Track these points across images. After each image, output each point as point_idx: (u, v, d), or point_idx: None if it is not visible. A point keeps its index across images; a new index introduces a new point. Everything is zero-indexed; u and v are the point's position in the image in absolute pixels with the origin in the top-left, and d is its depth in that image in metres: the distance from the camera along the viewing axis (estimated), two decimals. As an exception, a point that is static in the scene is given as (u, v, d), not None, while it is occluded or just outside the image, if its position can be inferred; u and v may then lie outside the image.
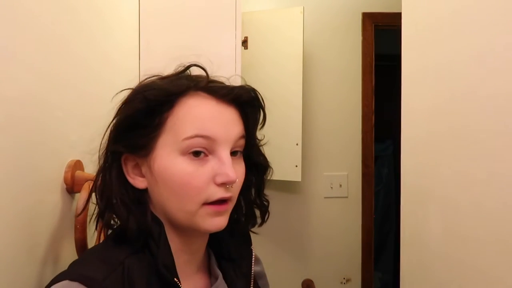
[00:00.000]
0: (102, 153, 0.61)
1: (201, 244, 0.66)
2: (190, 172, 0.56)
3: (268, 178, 0.70)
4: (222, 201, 0.58)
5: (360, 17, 2.19)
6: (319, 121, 2.19)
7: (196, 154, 0.57)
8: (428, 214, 1.01)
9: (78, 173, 0.80)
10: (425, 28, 1.04)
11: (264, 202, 0.70)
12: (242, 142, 0.61)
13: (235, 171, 0.57)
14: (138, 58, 1.36)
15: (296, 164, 1.99)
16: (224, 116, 0.59)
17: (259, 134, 0.67)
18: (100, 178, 0.61)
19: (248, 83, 0.67)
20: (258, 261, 0.76)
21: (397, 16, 1.17)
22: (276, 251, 2.19)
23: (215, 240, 0.68)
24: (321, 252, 2.19)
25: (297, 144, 1.98)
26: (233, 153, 0.60)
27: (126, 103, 0.60)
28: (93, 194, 0.63)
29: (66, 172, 0.79)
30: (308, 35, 2.05)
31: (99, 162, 0.62)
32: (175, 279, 0.57)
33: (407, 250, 1.12)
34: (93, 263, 0.57)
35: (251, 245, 0.71)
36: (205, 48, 1.38)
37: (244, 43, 1.92)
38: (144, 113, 0.57)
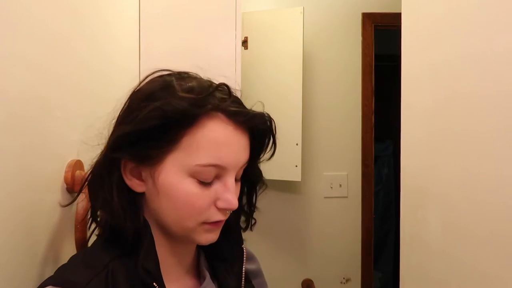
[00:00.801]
0: (102, 153, 0.60)
1: (191, 248, 0.66)
2: (195, 193, 0.56)
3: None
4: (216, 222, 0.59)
5: (360, 17, 2.19)
6: (319, 121, 2.19)
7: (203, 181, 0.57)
8: (428, 214, 1.01)
9: (78, 173, 0.80)
10: (425, 28, 1.04)
11: (253, 210, 0.70)
12: (244, 167, 0.61)
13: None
14: (138, 57, 1.36)
15: (296, 164, 1.99)
16: (238, 143, 0.57)
17: None
18: (95, 177, 0.60)
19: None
20: (253, 259, 0.76)
21: (397, 16, 1.17)
22: (276, 251, 2.19)
23: None
24: (321, 252, 2.20)
25: (297, 144, 1.98)
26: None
27: (139, 112, 0.55)
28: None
29: (66, 172, 0.79)
30: (308, 35, 2.05)
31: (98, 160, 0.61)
32: (154, 283, 0.56)
33: (407, 250, 1.12)
34: (78, 267, 0.57)
35: (242, 243, 0.71)
36: (205, 48, 1.39)
37: (244, 43, 1.92)
38: (160, 128, 0.54)
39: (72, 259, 0.61)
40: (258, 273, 0.76)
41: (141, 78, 0.62)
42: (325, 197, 2.21)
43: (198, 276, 0.68)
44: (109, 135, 0.60)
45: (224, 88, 0.58)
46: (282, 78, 1.99)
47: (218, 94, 0.57)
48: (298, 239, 2.20)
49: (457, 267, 0.89)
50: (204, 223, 0.58)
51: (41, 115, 0.70)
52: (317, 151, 2.19)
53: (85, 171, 0.83)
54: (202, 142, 0.54)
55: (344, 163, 2.22)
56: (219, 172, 0.57)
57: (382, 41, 2.34)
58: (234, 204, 0.57)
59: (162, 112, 0.53)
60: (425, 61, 1.03)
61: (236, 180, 0.60)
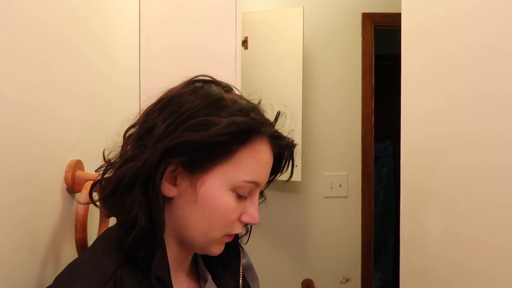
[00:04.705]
0: (135, 143, 0.58)
1: (192, 251, 0.67)
2: (232, 207, 0.59)
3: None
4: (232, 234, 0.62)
5: (360, 17, 2.19)
6: (319, 121, 2.19)
7: (240, 195, 0.60)
8: (428, 214, 1.01)
9: (78, 173, 0.80)
10: (425, 28, 1.04)
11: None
12: None
13: None
14: (138, 57, 1.36)
15: (296, 164, 1.98)
16: (270, 164, 0.63)
17: None
18: (127, 174, 0.55)
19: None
20: (244, 254, 0.76)
21: (397, 17, 1.17)
22: (276, 251, 2.19)
23: None
24: (321, 252, 2.20)
25: (297, 144, 1.98)
26: None
27: (208, 121, 0.55)
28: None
29: (66, 172, 0.79)
30: (308, 35, 2.05)
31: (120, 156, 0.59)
32: None
33: (407, 250, 1.12)
34: (83, 276, 0.53)
35: (238, 243, 0.72)
36: (205, 48, 1.39)
37: (244, 43, 1.92)
38: (225, 140, 0.55)
39: (74, 267, 0.56)
40: (249, 267, 0.77)
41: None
42: (325, 197, 2.21)
43: (198, 278, 0.68)
44: (150, 132, 0.57)
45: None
46: (282, 78, 1.99)
47: (267, 121, 0.62)
48: (298, 239, 2.20)
49: (457, 267, 0.89)
50: (226, 235, 0.61)
51: (41, 115, 0.70)
52: (317, 151, 2.19)
53: (85, 171, 0.83)
54: (251, 160, 0.58)
55: (344, 163, 2.22)
56: (253, 189, 0.61)
57: (382, 41, 2.34)
58: (257, 219, 0.61)
59: (237, 127, 0.56)
60: (425, 61, 1.03)
61: None
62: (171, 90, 0.62)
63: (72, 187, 0.79)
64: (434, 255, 0.98)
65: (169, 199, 0.59)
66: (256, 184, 0.60)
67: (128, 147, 0.60)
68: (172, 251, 0.61)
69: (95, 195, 0.63)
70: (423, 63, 1.04)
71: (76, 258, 0.59)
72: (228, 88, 0.64)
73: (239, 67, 1.39)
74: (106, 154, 0.63)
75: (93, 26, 0.96)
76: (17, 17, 0.62)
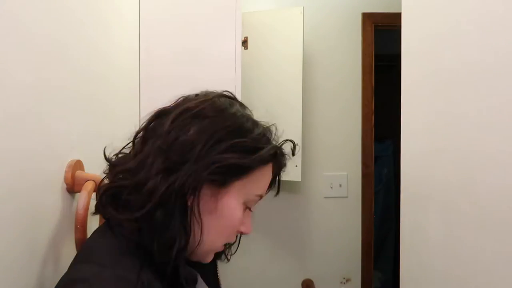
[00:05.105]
0: (184, 174, 0.56)
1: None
2: (240, 218, 0.62)
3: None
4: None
5: (360, 17, 2.19)
6: (319, 121, 2.19)
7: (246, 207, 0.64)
8: (428, 214, 1.01)
9: (78, 173, 0.80)
10: (425, 28, 1.04)
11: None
12: None
13: None
14: (138, 58, 1.36)
15: (296, 164, 1.99)
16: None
17: None
18: (164, 191, 0.54)
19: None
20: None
21: (397, 16, 1.17)
22: (276, 251, 2.19)
23: None
24: (321, 252, 2.19)
25: (297, 144, 1.98)
26: None
27: (253, 147, 0.60)
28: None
29: (66, 172, 0.79)
30: (308, 35, 2.05)
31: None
32: None
33: (407, 250, 1.12)
34: (107, 285, 0.50)
35: None
36: (205, 48, 1.39)
37: (244, 43, 1.92)
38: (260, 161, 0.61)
39: (90, 281, 0.51)
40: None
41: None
42: (325, 197, 2.21)
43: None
44: (195, 154, 0.56)
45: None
46: (282, 78, 1.99)
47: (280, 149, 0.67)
48: (298, 239, 2.20)
49: (457, 267, 0.89)
50: (224, 244, 0.66)
51: (41, 115, 0.70)
52: (317, 151, 2.19)
53: (85, 171, 0.83)
54: (263, 177, 0.64)
55: (344, 163, 2.22)
56: (257, 201, 0.65)
57: (382, 41, 2.34)
58: (250, 230, 0.66)
59: (275, 153, 0.63)
60: (425, 61, 1.03)
61: None
62: (199, 101, 0.62)
63: (72, 187, 0.79)
64: (434, 255, 0.98)
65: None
66: (261, 198, 0.65)
67: (149, 156, 0.57)
68: None
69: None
70: (423, 63, 1.04)
71: (82, 271, 0.54)
72: (244, 106, 0.67)
73: (239, 67, 1.39)
74: (107, 154, 0.63)
75: (93, 28, 0.96)
76: (18, 18, 0.62)
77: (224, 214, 0.60)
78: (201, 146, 0.56)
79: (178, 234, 0.55)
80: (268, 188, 0.69)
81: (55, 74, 0.75)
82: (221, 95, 0.65)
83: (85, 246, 0.62)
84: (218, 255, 0.72)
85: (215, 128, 0.58)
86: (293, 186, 2.16)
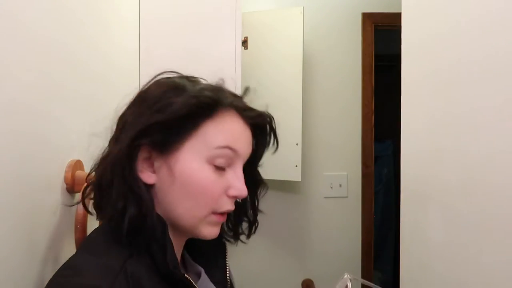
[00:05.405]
0: (114, 142, 0.60)
1: (183, 243, 0.67)
2: (212, 180, 0.58)
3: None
4: (223, 213, 0.61)
5: (360, 17, 2.19)
6: (319, 121, 2.19)
7: (219, 167, 0.59)
8: (428, 214, 1.01)
9: (78, 173, 0.80)
10: (425, 28, 1.04)
11: (256, 217, 0.71)
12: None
13: None
14: (138, 57, 1.36)
15: (296, 164, 1.99)
16: (247, 136, 0.63)
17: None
18: (106, 168, 0.57)
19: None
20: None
21: (397, 16, 1.17)
22: (276, 251, 2.19)
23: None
24: (321, 252, 2.19)
25: (297, 144, 1.98)
26: None
27: (168, 102, 0.57)
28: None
29: (66, 172, 0.79)
30: (308, 35, 2.05)
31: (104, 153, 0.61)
32: (186, 275, 0.57)
33: (407, 250, 1.12)
34: (90, 272, 0.52)
35: (223, 238, 0.72)
36: (205, 48, 1.39)
37: (244, 43, 1.92)
38: (186, 116, 0.57)
39: (76, 263, 0.55)
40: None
41: (146, 78, 0.65)
42: (325, 197, 2.21)
43: (186, 271, 0.68)
44: (122, 128, 0.59)
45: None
46: (282, 78, 1.99)
47: (232, 94, 0.63)
48: (298, 239, 2.20)
49: (457, 267, 0.89)
50: (213, 213, 0.60)
51: (41, 115, 0.70)
52: (317, 151, 2.19)
53: (85, 171, 0.83)
54: (220, 130, 0.59)
55: (344, 163, 2.22)
56: (232, 159, 0.60)
57: (382, 41, 2.34)
58: (245, 191, 0.60)
59: (197, 101, 0.57)
60: (426, 61, 1.03)
61: None
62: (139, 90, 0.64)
63: (72, 187, 0.79)
64: (434, 255, 0.98)
65: (153, 187, 0.59)
66: (232, 151, 0.59)
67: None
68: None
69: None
70: (423, 63, 1.04)
71: (74, 258, 0.56)
72: (194, 79, 0.65)
73: (239, 67, 1.39)
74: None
75: (93, 28, 0.96)
76: (18, 18, 0.62)
77: (186, 180, 0.57)
78: (130, 120, 0.59)
79: (127, 202, 0.55)
80: (264, 146, 0.66)
81: (55, 74, 0.75)
82: (159, 75, 0.65)
83: (86, 237, 0.65)
84: (228, 236, 0.70)
85: (146, 100, 0.60)
86: (293, 186, 2.16)
